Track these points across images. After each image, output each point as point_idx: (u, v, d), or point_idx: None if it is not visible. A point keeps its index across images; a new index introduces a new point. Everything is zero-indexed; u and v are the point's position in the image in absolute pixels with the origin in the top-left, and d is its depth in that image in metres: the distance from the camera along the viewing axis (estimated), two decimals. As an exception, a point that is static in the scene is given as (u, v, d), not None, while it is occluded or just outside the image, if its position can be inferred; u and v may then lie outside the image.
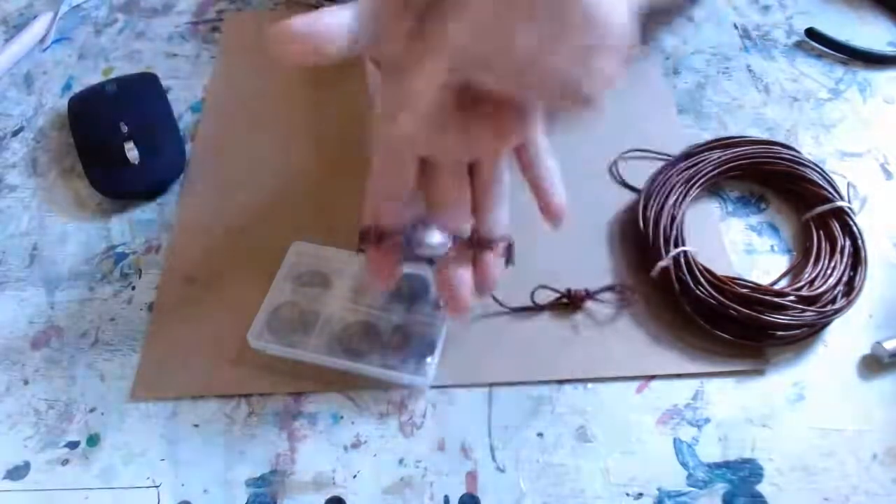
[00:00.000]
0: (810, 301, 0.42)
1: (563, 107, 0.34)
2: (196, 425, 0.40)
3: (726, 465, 0.38)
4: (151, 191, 0.50)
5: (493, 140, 0.36)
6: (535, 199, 0.38)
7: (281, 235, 0.46)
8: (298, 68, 0.31)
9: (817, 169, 0.48)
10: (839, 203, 0.46)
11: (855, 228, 0.45)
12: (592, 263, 0.46)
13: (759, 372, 0.42)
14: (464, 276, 0.37)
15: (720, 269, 0.43)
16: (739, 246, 0.47)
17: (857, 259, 0.44)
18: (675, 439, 0.39)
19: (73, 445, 0.40)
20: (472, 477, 0.38)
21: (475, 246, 0.37)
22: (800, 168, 0.48)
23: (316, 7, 0.64)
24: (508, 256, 0.38)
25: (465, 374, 0.41)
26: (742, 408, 0.40)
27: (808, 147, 0.52)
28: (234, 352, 0.42)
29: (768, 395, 0.41)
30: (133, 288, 0.46)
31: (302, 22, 0.28)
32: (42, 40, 0.61)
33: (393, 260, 0.37)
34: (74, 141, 0.52)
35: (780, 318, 0.41)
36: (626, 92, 0.55)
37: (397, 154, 0.35)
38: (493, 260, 0.37)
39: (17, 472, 0.39)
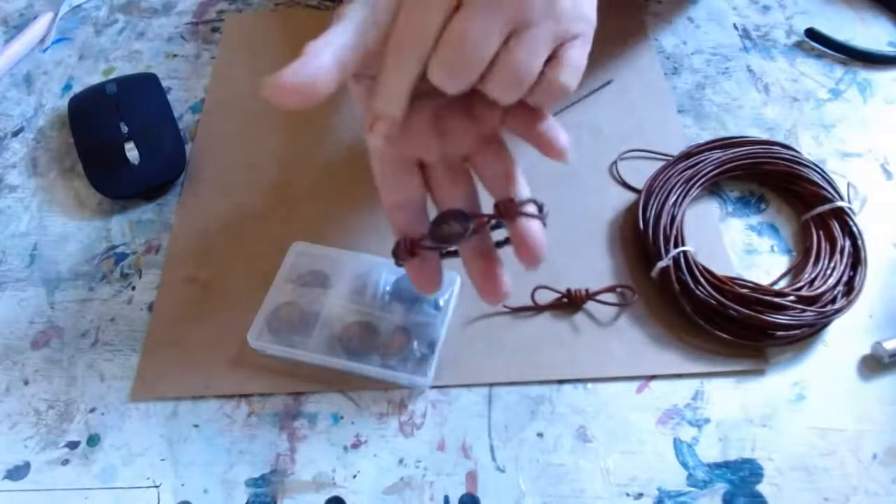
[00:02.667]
0: (810, 301, 0.42)
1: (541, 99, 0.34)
2: (196, 425, 0.40)
3: (726, 465, 0.38)
4: (151, 191, 0.50)
5: (471, 130, 0.36)
6: (539, 147, 0.36)
7: (281, 235, 0.46)
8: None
9: (817, 169, 0.48)
10: (839, 203, 0.46)
11: (855, 228, 0.45)
12: (592, 263, 0.46)
13: (759, 372, 0.42)
14: (493, 263, 0.36)
15: (720, 269, 0.43)
16: (739, 246, 0.47)
17: (857, 259, 0.44)
18: (675, 439, 0.39)
19: (73, 445, 0.40)
20: (472, 477, 0.38)
21: (506, 216, 0.35)
22: (800, 168, 0.48)
23: (317, 7, 0.64)
24: (542, 216, 0.36)
25: (465, 374, 0.41)
26: (742, 408, 0.40)
27: (808, 147, 0.52)
28: (234, 352, 0.42)
29: (768, 395, 0.41)
30: (133, 288, 0.46)
31: (292, 73, 0.29)
32: (42, 40, 0.61)
33: (432, 264, 0.36)
34: (74, 141, 0.52)
35: (780, 318, 0.41)
36: (627, 92, 0.55)
37: (393, 163, 0.35)
38: (532, 223, 0.35)
39: (17, 472, 0.39)
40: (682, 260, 0.43)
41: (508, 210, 0.35)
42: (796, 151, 0.49)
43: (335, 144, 0.53)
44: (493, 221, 0.35)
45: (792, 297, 0.42)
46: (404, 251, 0.35)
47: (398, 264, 0.36)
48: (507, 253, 0.37)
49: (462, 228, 0.35)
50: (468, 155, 0.37)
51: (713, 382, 0.41)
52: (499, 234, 0.37)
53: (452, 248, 0.37)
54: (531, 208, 0.35)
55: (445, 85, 0.32)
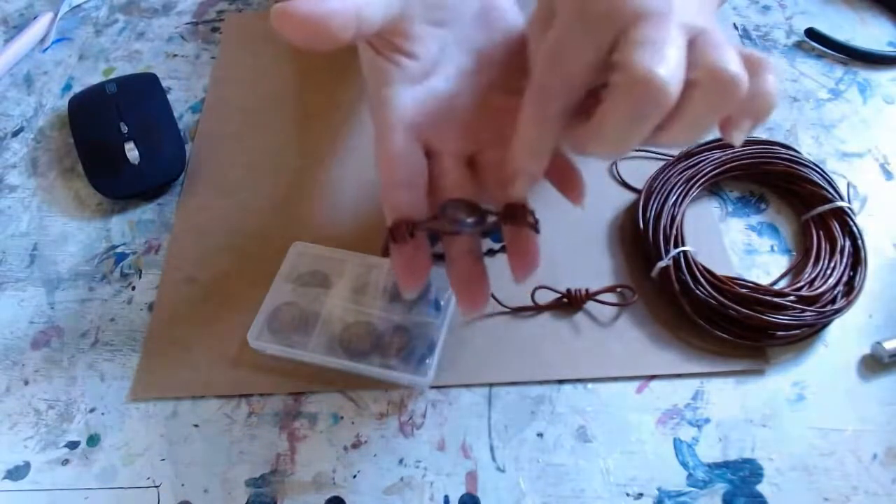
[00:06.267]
0: (810, 301, 0.42)
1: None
2: (196, 425, 0.40)
3: (726, 465, 0.38)
4: (151, 191, 0.50)
5: (490, 127, 0.34)
6: (558, 184, 0.35)
7: (281, 235, 0.46)
8: (303, 55, 0.29)
9: (817, 169, 0.48)
10: (839, 203, 0.46)
11: (855, 228, 0.45)
12: (592, 263, 0.46)
13: (759, 372, 0.42)
14: (479, 272, 0.35)
15: (720, 269, 0.43)
16: (739, 246, 0.47)
17: (857, 259, 0.44)
18: (675, 439, 0.39)
19: (73, 445, 0.40)
20: (472, 477, 0.38)
21: (515, 220, 0.34)
22: (800, 168, 0.48)
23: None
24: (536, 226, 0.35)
25: (465, 374, 0.41)
26: (742, 408, 0.40)
27: (808, 147, 0.52)
28: (234, 352, 0.42)
29: (768, 395, 0.41)
30: (133, 288, 0.46)
31: (308, 5, 0.27)
32: (42, 40, 0.62)
33: (423, 256, 0.34)
34: (74, 141, 0.52)
35: (780, 318, 0.41)
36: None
37: (402, 138, 0.33)
38: (533, 234, 0.34)
39: (17, 472, 0.39)
40: (682, 260, 0.43)
41: (519, 214, 0.33)
42: (796, 151, 0.49)
43: (335, 143, 0.53)
44: (492, 223, 0.34)
45: (792, 297, 0.42)
46: (403, 232, 0.33)
47: (385, 253, 0.34)
48: (492, 263, 0.36)
49: (478, 216, 0.33)
50: (479, 151, 0.35)
51: (713, 382, 0.41)
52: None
53: (440, 252, 0.36)
54: (532, 219, 0.34)
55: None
